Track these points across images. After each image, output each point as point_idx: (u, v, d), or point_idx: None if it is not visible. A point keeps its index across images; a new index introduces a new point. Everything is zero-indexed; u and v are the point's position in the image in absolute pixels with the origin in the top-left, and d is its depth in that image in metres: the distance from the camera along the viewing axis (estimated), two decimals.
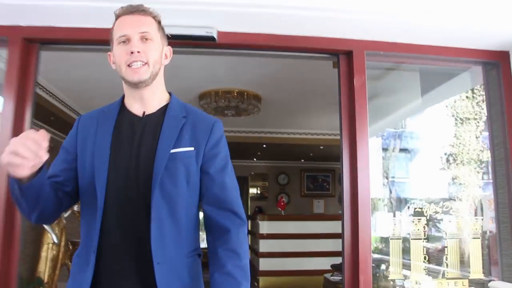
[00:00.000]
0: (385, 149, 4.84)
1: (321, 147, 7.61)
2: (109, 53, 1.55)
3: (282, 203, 8.20)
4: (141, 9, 1.50)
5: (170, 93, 1.59)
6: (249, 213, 9.18)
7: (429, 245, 2.88)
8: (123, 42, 1.46)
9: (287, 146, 7.51)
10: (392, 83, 3.53)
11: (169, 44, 1.54)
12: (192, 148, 1.48)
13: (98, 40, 2.38)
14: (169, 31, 1.67)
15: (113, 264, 1.38)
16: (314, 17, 2.39)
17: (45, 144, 1.15)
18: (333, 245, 5.53)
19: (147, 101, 1.51)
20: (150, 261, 1.35)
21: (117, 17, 1.52)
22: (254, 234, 7.74)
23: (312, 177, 9.88)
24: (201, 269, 1.48)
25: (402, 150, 5.03)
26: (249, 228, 8.28)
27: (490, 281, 2.56)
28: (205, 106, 5.09)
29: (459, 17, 2.41)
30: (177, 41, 2.23)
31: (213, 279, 1.39)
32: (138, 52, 1.43)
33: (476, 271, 2.68)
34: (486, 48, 2.69)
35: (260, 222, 7.15)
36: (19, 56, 2.46)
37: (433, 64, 2.92)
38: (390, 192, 3.92)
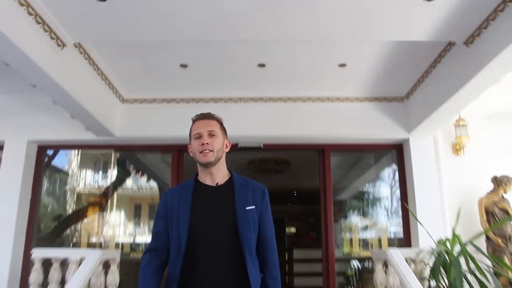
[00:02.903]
0: None
1: None
2: (188, 145, 1.98)
3: (310, 236, 10.50)
4: (209, 115, 1.94)
5: (229, 170, 1.97)
6: (285, 246, 11.22)
7: None
8: (197, 137, 1.87)
9: (312, 194, 9.03)
10: (362, 158, 6.26)
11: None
12: (254, 207, 1.86)
13: None
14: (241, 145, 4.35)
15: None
16: (307, 136, 5.04)
17: None
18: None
19: (216, 175, 1.89)
20: (241, 276, 1.77)
21: (194, 121, 1.95)
22: (290, 261, 9.98)
23: None
24: None
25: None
26: (286, 257, 10.58)
27: None
28: (251, 167, 7.66)
29: (375, 130, 5.03)
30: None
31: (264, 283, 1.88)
32: (207, 143, 1.84)
33: None
34: (392, 143, 5.22)
35: (294, 250, 9.67)
36: (176, 157, 5.26)
37: (373, 152, 5.68)
38: None
